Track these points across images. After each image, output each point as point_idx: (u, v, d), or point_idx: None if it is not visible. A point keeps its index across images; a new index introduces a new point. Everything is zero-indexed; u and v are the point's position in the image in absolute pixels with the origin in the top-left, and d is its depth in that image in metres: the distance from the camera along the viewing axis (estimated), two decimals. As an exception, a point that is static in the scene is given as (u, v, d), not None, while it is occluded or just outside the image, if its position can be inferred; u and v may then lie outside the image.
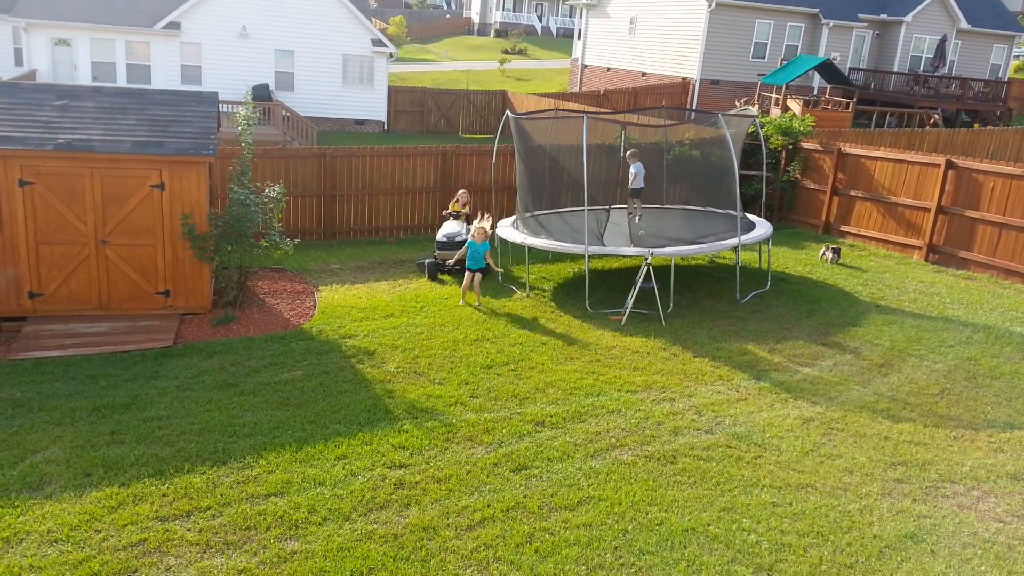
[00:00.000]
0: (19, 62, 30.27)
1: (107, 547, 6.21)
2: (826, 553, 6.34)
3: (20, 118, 10.59)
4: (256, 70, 31.16)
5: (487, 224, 12.76)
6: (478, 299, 12.33)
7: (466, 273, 12.30)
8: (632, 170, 15.16)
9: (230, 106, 23.94)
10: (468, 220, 14.57)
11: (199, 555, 6.16)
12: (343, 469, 7.42)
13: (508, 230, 13.35)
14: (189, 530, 6.47)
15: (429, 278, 13.57)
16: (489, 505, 6.89)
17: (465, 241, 12.95)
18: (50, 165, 10.45)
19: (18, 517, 6.55)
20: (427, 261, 13.87)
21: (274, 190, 12.09)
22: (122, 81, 29.77)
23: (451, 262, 13.55)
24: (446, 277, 13.78)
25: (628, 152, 15.41)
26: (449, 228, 14.11)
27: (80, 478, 7.17)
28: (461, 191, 15.17)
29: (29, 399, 8.80)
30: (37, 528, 6.41)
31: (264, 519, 6.63)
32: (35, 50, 29.30)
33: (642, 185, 15.18)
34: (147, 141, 10.78)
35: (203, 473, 7.29)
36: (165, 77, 30.12)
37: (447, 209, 15.15)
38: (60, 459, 7.49)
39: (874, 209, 16.69)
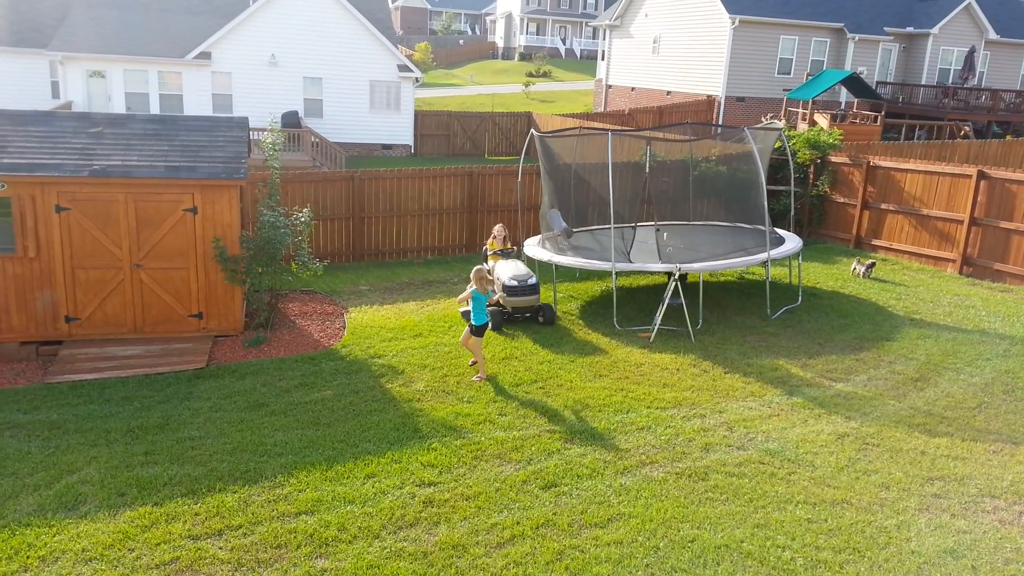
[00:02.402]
0: (56, 95, 31.10)
1: (140, 566, 6.26)
2: (863, 569, 6.21)
3: (56, 145, 10.87)
4: (286, 97, 31.69)
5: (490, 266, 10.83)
6: (482, 367, 10.14)
7: (473, 337, 10.14)
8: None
9: (259, 133, 24.36)
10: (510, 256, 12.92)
11: (230, 573, 6.19)
12: (373, 487, 7.43)
13: (535, 249, 13.37)
14: (221, 548, 6.51)
15: (493, 329, 11.55)
16: (518, 522, 6.86)
17: (538, 284, 11.96)
18: (86, 191, 10.69)
19: (54, 536, 6.64)
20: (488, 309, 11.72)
21: (303, 213, 12.25)
22: (155, 111, 30.44)
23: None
24: (509, 328, 11.97)
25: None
26: (515, 268, 12.25)
27: (114, 498, 7.26)
28: (497, 226, 13.33)
29: (65, 421, 8.95)
30: (72, 547, 6.49)
31: (295, 537, 6.65)
32: (71, 82, 30.06)
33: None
34: (180, 166, 10.99)
35: (235, 492, 7.35)
36: (197, 106, 30.73)
37: (487, 249, 13.21)
38: (95, 479, 7.59)
39: (905, 222, 16.48)
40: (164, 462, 7.95)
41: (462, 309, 12.25)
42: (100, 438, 8.50)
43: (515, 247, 13.11)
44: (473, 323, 10.12)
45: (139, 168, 10.86)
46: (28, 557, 6.36)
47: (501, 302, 12.08)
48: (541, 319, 12.16)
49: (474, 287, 10.14)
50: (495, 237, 13.15)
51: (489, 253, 13.08)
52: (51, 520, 6.88)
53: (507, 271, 12.20)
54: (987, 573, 6.19)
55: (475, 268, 10.35)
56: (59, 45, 29.81)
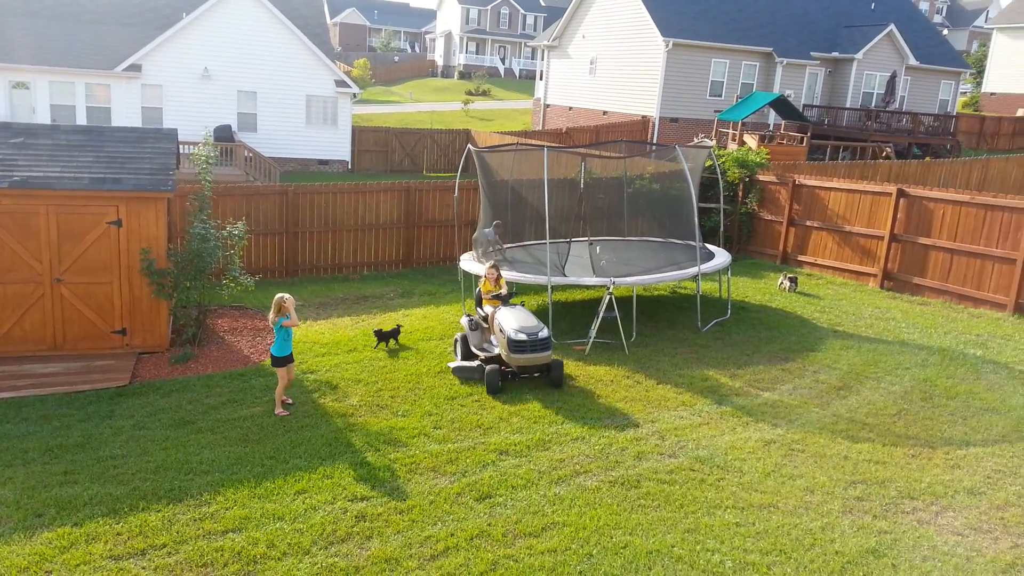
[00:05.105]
0: (-25, 106, 29.94)
1: (57, 588, 6.02)
2: (789, 570, 6.36)
3: (-27, 156, 10.46)
4: (219, 111, 31.11)
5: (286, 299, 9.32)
6: (278, 402, 9.46)
7: (283, 370, 9.42)
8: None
9: (190, 147, 23.86)
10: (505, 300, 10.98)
11: (153, 593, 5.99)
12: (303, 503, 7.30)
13: (471, 263, 13.39)
14: (144, 568, 6.30)
15: (491, 392, 9.95)
16: (452, 534, 6.82)
17: (550, 338, 10.19)
18: (5, 203, 10.32)
19: (-37, 560, 6.34)
20: (487, 366, 10.16)
21: (237, 226, 12.04)
22: (82, 124, 29.53)
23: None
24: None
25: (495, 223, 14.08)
26: (522, 318, 10.28)
27: (31, 519, 6.97)
28: (487, 265, 11.40)
29: (-22, 441, 8.56)
30: (-17, 570, 6.21)
31: (221, 555, 6.48)
32: (-8, 94, 29.02)
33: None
34: (104, 177, 10.69)
35: (159, 511, 7.13)
36: (126, 119, 29.93)
37: (481, 292, 11.31)
38: (10, 500, 7.28)
39: (829, 238, 17.04)
40: (84, 481, 7.67)
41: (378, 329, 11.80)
42: (16, 458, 8.16)
43: (514, 290, 11.46)
44: (273, 354, 9.42)
45: (61, 179, 10.53)
46: (-66, 582, 6.06)
47: (504, 358, 10.18)
48: (548, 378, 10.27)
49: (272, 317, 9.28)
50: (487, 278, 11.20)
51: (485, 297, 11.15)
52: (-40, 543, 6.57)
53: (512, 322, 10.18)
54: (907, 571, 6.40)
55: (277, 295, 9.28)
56: (-21, 55, 28.77)
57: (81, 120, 29.71)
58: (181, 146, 18.05)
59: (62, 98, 29.72)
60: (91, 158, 11.01)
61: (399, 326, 12.01)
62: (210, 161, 12.12)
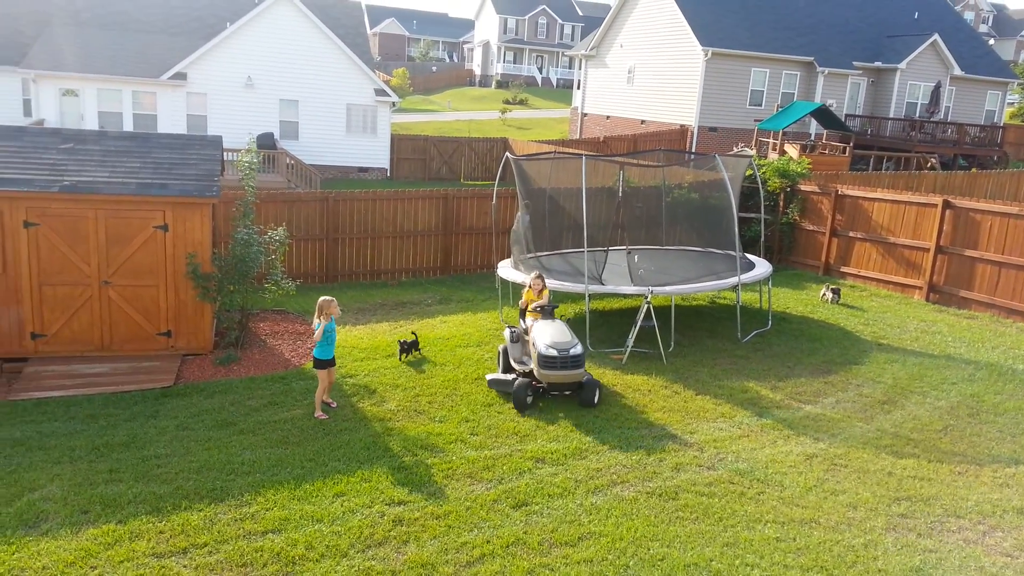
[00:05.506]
0: (28, 112, 30.79)
1: (102, 584, 6.13)
2: (831, 587, 6.25)
3: (26, 160, 10.76)
4: (261, 119, 31.63)
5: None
6: (317, 405, 9.58)
7: (324, 372, 9.53)
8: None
9: (234, 154, 24.22)
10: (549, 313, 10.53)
11: (195, 592, 6.08)
12: (341, 506, 7.36)
13: (508, 270, 13.41)
14: (185, 567, 6.39)
15: (518, 407, 9.66)
16: (488, 541, 6.82)
17: (583, 354, 9.85)
18: (55, 207, 10.58)
19: (13, 554, 6.50)
20: (516, 379, 9.89)
21: (279, 232, 12.21)
22: (129, 130, 30.20)
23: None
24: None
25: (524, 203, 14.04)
26: (557, 333, 9.90)
27: (77, 515, 7.12)
28: (533, 275, 11.09)
29: (28, 438, 8.78)
30: (32, 565, 6.35)
31: (261, 556, 6.56)
32: (43, 101, 29.82)
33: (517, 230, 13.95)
34: (151, 183, 10.92)
35: (200, 510, 7.24)
36: (171, 127, 30.58)
37: (524, 303, 11.02)
38: (58, 497, 7.45)
39: (873, 250, 16.76)
40: (129, 480, 7.82)
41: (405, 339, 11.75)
42: (64, 456, 8.35)
43: (553, 302, 10.89)
44: (315, 356, 9.56)
45: (109, 184, 10.77)
46: (-15, 575, 6.21)
47: (535, 373, 9.90)
48: (579, 397, 9.89)
49: (316, 321, 9.41)
50: (531, 287, 10.88)
51: (528, 309, 10.83)
52: (11, 538, 6.73)
53: (546, 336, 9.83)
54: (952, 591, 6.26)
55: (321, 298, 9.47)
56: (32, 63, 29.60)
57: (128, 127, 30.40)
58: (225, 153, 18.37)
59: (110, 105, 30.45)
60: (138, 164, 11.25)
61: (415, 335, 11.95)
62: (253, 168, 12.33)
